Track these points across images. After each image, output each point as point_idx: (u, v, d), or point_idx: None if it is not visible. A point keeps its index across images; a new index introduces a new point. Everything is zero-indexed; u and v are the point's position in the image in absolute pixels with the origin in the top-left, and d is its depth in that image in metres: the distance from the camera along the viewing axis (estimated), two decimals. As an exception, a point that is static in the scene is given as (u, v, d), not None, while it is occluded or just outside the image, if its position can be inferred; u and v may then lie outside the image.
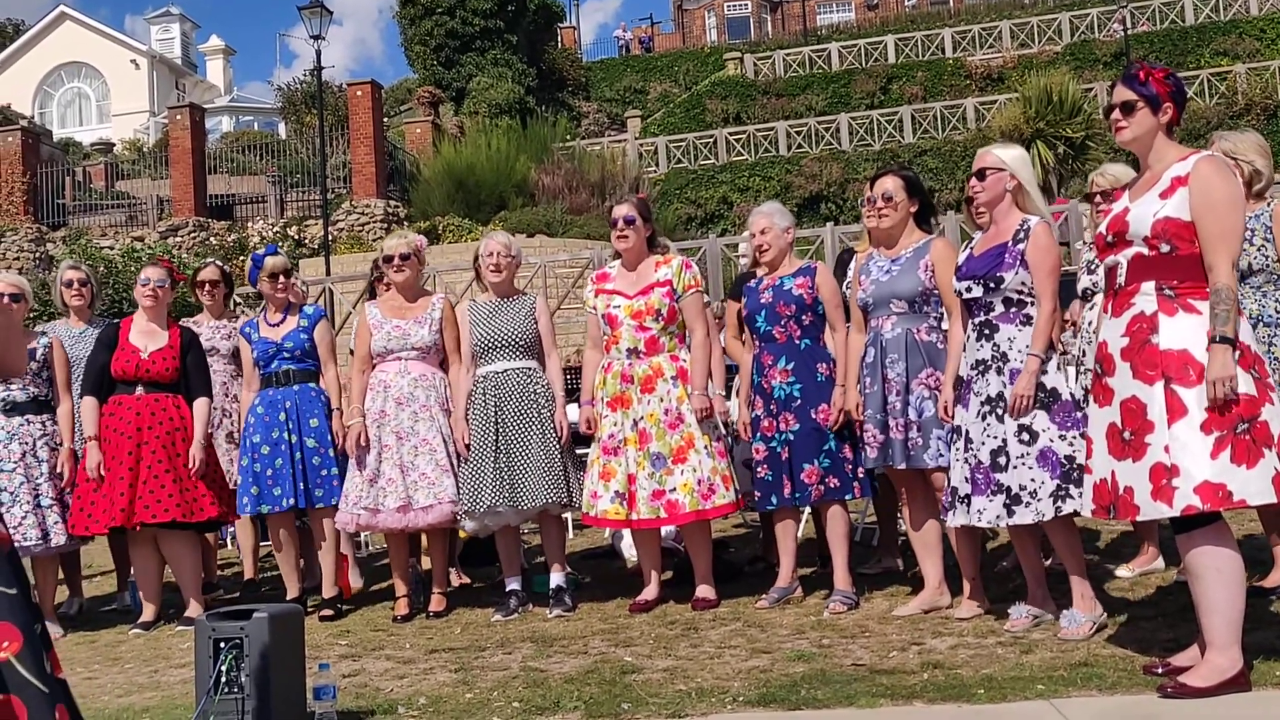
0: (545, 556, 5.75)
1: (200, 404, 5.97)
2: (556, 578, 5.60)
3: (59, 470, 5.96)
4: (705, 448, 5.31)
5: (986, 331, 4.42)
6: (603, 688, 4.06)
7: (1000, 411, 4.33)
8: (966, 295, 4.48)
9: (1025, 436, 4.27)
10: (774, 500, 5.28)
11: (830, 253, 16.77)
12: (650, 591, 5.49)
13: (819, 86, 34.88)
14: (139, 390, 5.88)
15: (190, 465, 5.82)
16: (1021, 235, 4.39)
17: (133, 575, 6.39)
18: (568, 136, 30.88)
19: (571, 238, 23.09)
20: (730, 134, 30.86)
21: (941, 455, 4.73)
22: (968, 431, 4.44)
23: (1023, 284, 4.35)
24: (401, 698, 4.14)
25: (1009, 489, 4.27)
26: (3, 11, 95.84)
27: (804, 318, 5.31)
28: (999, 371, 4.37)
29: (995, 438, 4.34)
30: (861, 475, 5.21)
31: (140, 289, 6.07)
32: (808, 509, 5.83)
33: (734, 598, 5.45)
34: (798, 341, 5.31)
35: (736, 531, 7.59)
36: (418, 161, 27.50)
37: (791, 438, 5.20)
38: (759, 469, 5.31)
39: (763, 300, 5.39)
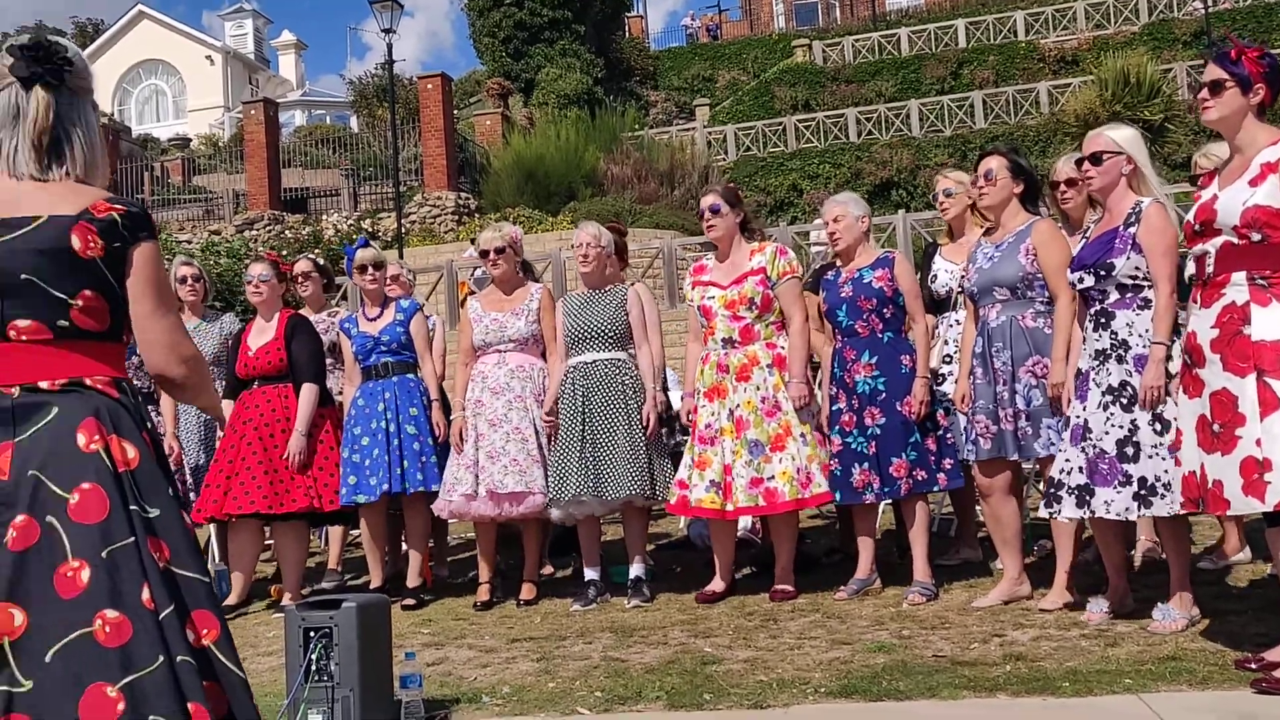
0: (626, 547, 5.79)
1: (305, 390, 6.02)
2: (636, 569, 5.64)
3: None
4: (803, 435, 5.28)
5: (1103, 320, 4.30)
6: (684, 678, 4.09)
7: (1126, 400, 4.20)
8: (1080, 286, 4.37)
9: (1158, 426, 4.14)
10: (839, 496, 5.28)
11: (903, 240, 16.62)
12: (719, 583, 5.51)
13: (888, 72, 34.52)
14: (255, 385, 6.06)
15: (286, 457, 5.90)
16: (1133, 219, 4.25)
17: (219, 562, 6.54)
18: (636, 126, 30.91)
19: (641, 227, 23.08)
20: (799, 121, 30.67)
21: (1052, 445, 4.64)
22: (1086, 422, 4.30)
23: (1136, 269, 4.22)
24: (485, 686, 4.21)
25: (1143, 479, 4.15)
26: (83, 11, 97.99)
27: (885, 311, 5.28)
28: (1120, 360, 4.23)
29: (1120, 427, 4.20)
30: (949, 466, 5.18)
31: (247, 285, 6.22)
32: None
33: (812, 589, 5.45)
34: (880, 335, 5.28)
35: (812, 523, 7.58)
36: (488, 153, 27.70)
37: (879, 432, 5.17)
38: (833, 462, 5.30)
39: (843, 294, 5.36)
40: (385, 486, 5.83)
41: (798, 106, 33.26)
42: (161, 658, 2.22)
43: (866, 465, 5.19)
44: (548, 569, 6.55)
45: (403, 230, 22.93)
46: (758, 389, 5.34)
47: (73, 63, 2.44)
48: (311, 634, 3.74)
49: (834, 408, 5.34)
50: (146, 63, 46.62)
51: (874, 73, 34.69)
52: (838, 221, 5.43)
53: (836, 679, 3.91)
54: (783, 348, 5.40)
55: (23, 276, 2.31)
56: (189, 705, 2.22)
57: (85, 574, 2.23)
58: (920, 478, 5.15)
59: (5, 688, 2.16)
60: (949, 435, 5.23)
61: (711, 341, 5.48)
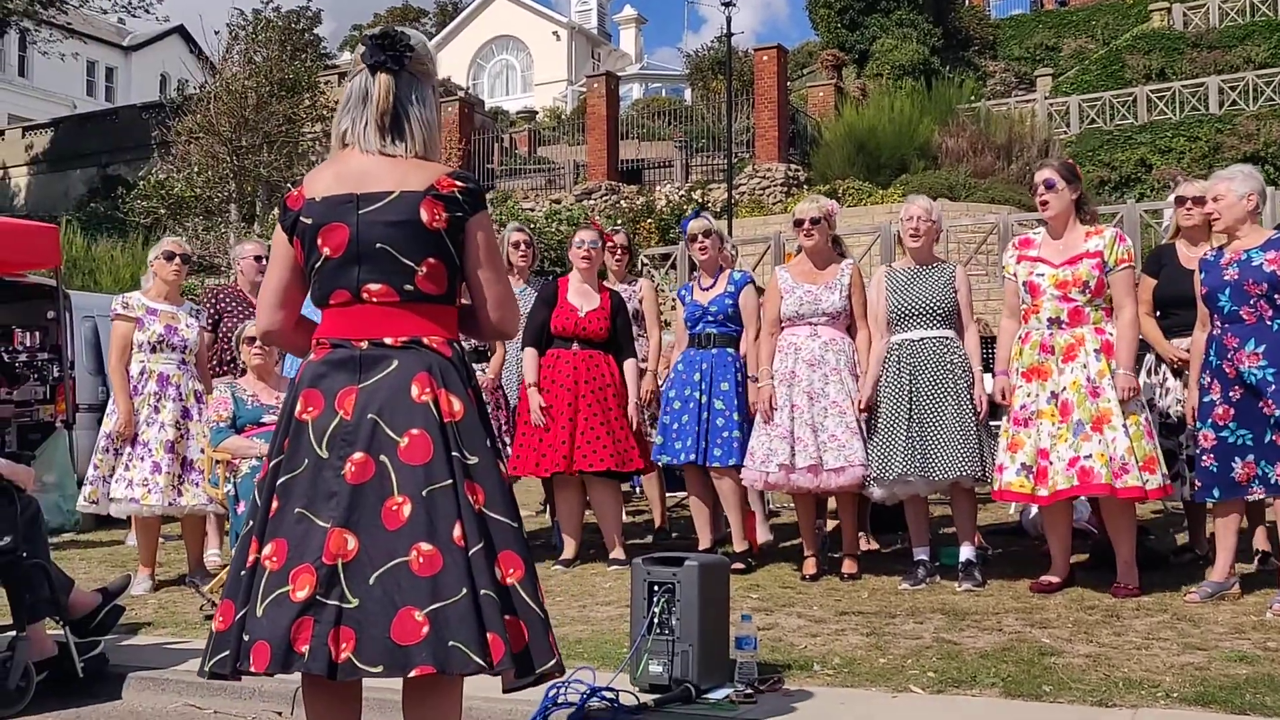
0: (955, 529, 5.68)
1: (630, 364, 6.35)
2: (967, 551, 5.52)
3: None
4: (1123, 426, 5.02)
5: None
6: (1020, 667, 3.99)
7: None
8: None
9: None
10: (1216, 493, 4.93)
11: (1269, 219, 15.26)
12: (1056, 573, 5.30)
13: (1261, 36, 31.60)
14: (575, 346, 6.30)
15: (630, 420, 6.22)
16: None
17: (553, 516, 6.90)
18: (973, 97, 29.84)
19: (975, 202, 22.38)
20: (1153, 91, 28.66)
21: None
22: None
23: None
24: (816, 656, 4.26)
25: None
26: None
27: (1277, 296, 4.88)
28: None
29: None
30: None
31: (575, 251, 6.50)
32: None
33: (1158, 588, 5.17)
34: (1269, 323, 4.89)
35: (1154, 518, 7.16)
36: (819, 125, 27.56)
37: (1273, 422, 4.80)
38: (1204, 458, 4.97)
39: (1226, 277, 4.99)
40: (690, 457, 6.00)
41: (1151, 75, 31.06)
42: (465, 590, 2.44)
43: (1251, 458, 4.83)
44: (872, 544, 6.52)
45: (732, 201, 23.23)
46: (1083, 368, 5.08)
47: (414, 49, 2.67)
48: (655, 588, 3.90)
49: (1206, 398, 5.01)
50: (499, 39, 49.28)
51: (1243, 37, 31.86)
52: (1218, 200, 5.06)
53: (1191, 685, 3.69)
54: (1111, 334, 5.12)
55: (378, 245, 2.58)
56: (488, 635, 2.43)
57: (407, 509, 2.49)
58: None
59: (336, 603, 2.44)
60: None
61: (1035, 320, 5.25)
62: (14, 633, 4.29)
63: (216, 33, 28.47)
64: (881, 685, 3.88)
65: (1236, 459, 4.88)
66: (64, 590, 4.48)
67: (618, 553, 6.22)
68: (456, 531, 2.47)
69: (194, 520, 6.35)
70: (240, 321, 6.80)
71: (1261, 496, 4.95)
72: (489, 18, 49.20)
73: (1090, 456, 4.98)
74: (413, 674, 2.41)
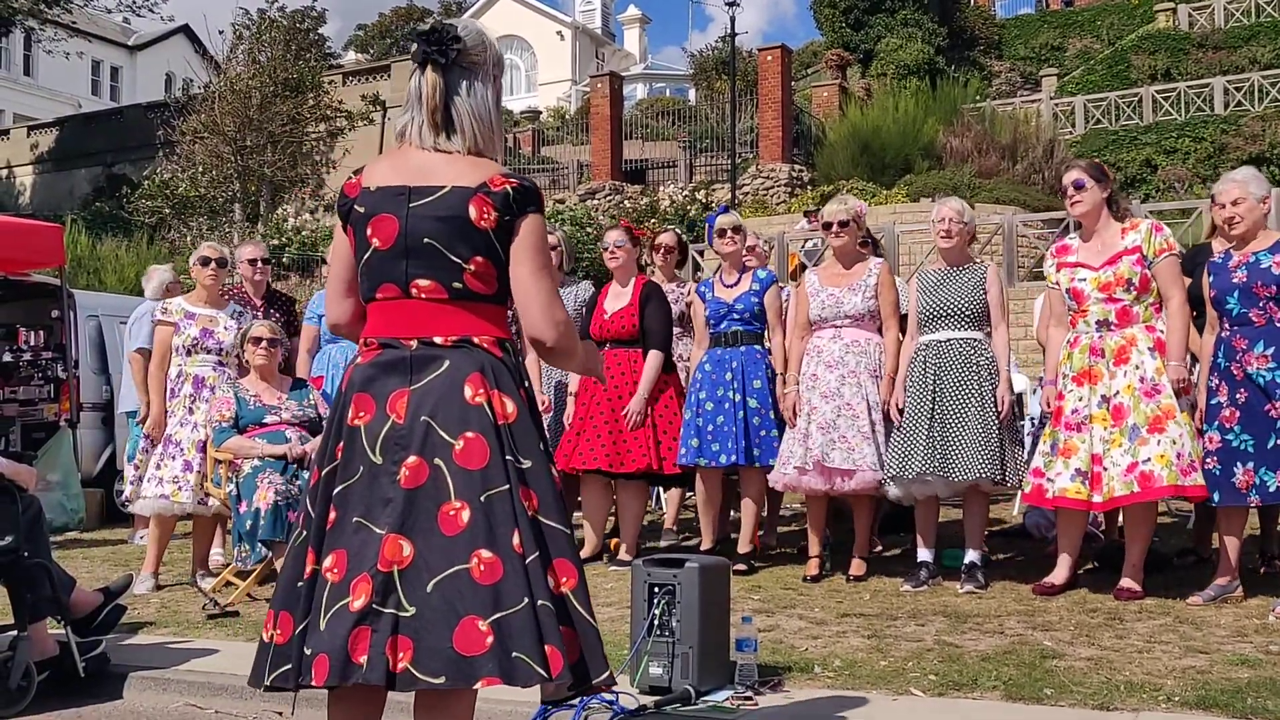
0: (965, 531, 5.66)
1: (652, 356, 6.20)
2: (971, 554, 5.51)
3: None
4: (1186, 423, 4.97)
5: None
6: (1021, 670, 3.98)
7: None
8: None
9: None
10: (1216, 497, 4.92)
11: (1275, 220, 15.23)
12: (1060, 575, 5.28)
13: (1266, 36, 31.54)
14: (606, 347, 6.27)
15: (625, 417, 6.11)
16: None
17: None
18: (978, 97, 29.80)
19: (980, 202, 22.27)
20: (1158, 91, 28.61)
21: None
22: None
23: None
24: (817, 658, 4.25)
25: None
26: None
27: None
28: None
29: None
30: None
31: (605, 252, 6.49)
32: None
33: (1161, 591, 5.15)
34: (1278, 324, 4.87)
35: (1161, 521, 7.13)
36: (823, 125, 27.53)
37: (1279, 425, 4.79)
38: (1209, 460, 4.95)
39: (1235, 280, 4.97)
40: (732, 459, 5.93)
41: (1156, 76, 31.03)
42: (526, 599, 2.38)
43: (1251, 465, 4.82)
44: (877, 546, 6.51)
45: (735, 201, 23.21)
46: (1137, 369, 5.03)
47: (461, 39, 2.60)
48: (656, 590, 3.90)
49: (1213, 401, 5.00)
50: (503, 38, 49.19)
51: (1248, 37, 31.82)
52: (1237, 205, 5.02)
53: (1192, 689, 3.68)
54: (1162, 330, 5.08)
55: (425, 240, 2.53)
56: (546, 647, 2.37)
57: (465, 514, 2.42)
58: None
59: (392, 611, 2.38)
60: None
61: (1083, 324, 5.21)
62: (15, 632, 4.29)
63: (221, 32, 28.44)
64: (882, 688, 3.88)
65: (1238, 465, 4.86)
66: (65, 589, 4.48)
67: (625, 555, 6.18)
68: (515, 539, 2.42)
69: (206, 521, 6.37)
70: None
71: (1259, 505, 4.93)
72: (493, 17, 49.17)
73: (1149, 460, 4.92)
74: (478, 685, 2.36)
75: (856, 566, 5.81)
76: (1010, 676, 3.91)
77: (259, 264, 7.09)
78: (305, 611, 2.45)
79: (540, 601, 2.40)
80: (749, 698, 3.77)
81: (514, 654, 2.35)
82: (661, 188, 26.69)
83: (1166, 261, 5.10)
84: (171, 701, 4.36)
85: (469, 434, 2.47)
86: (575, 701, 3.63)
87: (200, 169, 25.13)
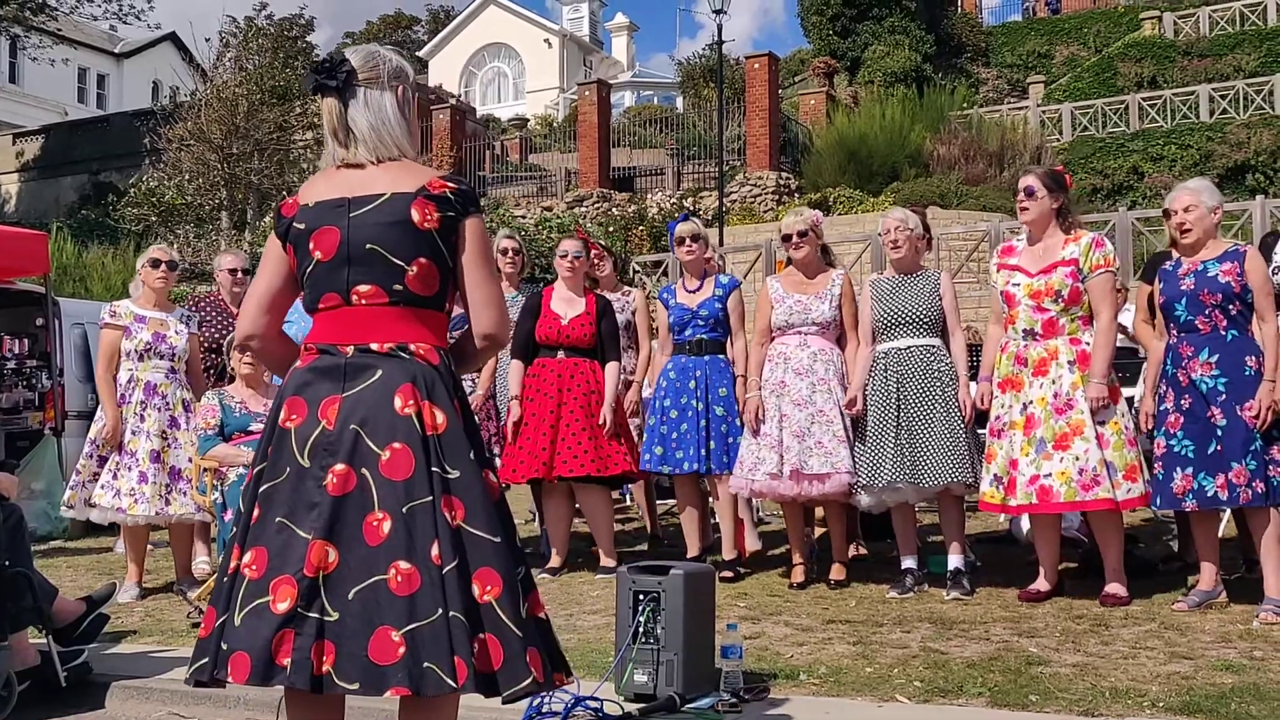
0: (944, 537, 5.68)
1: (611, 367, 6.30)
2: (955, 560, 5.52)
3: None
4: (1097, 436, 5.02)
5: None
6: (1007, 676, 3.98)
7: None
8: None
9: None
10: (1158, 502, 4.99)
11: (1259, 228, 15.31)
12: (1043, 583, 5.30)
13: (1250, 45, 31.70)
14: (560, 354, 6.28)
15: (601, 424, 6.16)
16: None
17: (543, 524, 6.88)
18: (965, 104, 29.91)
19: (967, 209, 22.42)
20: (1144, 99, 28.72)
21: None
22: None
23: None
24: (802, 665, 4.25)
25: None
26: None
27: (1230, 307, 4.90)
28: None
29: None
30: None
31: (559, 260, 6.48)
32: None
33: (1146, 597, 5.16)
34: (1223, 333, 4.91)
35: (1144, 526, 7.16)
36: (810, 133, 27.60)
37: (1219, 433, 4.83)
38: (1155, 465, 5.00)
39: (1183, 287, 5.01)
40: (695, 466, 5.98)
41: (1143, 83, 31.14)
42: (440, 610, 2.42)
43: (1190, 470, 4.87)
44: (861, 549, 6.52)
45: (723, 209, 23.23)
46: (1053, 384, 5.12)
47: (347, 61, 2.68)
48: (640, 597, 3.89)
49: (1161, 407, 5.04)
50: (491, 46, 49.25)
51: (1233, 46, 31.96)
52: (1189, 212, 5.06)
53: (1177, 694, 3.69)
54: (1087, 344, 5.13)
55: (367, 246, 2.59)
56: (455, 659, 2.40)
57: (387, 525, 2.47)
58: (1259, 490, 4.74)
59: (317, 616, 2.43)
60: None
61: (1011, 330, 5.29)
62: (-4, 642, 4.26)
63: (208, 40, 28.45)
64: (867, 694, 3.88)
65: (1178, 470, 4.91)
66: (47, 599, 4.46)
67: (607, 562, 6.18)
68: (434, 550, 2.45)
69: (182, 528, 6.32)
70: (217, 331, 6.80)
71: (1195, 509, 4.95)
72: (481, 25, 49.17)
73: (1050, 475, 5.03)
74: (387, 694, 2.40)
75: (836, 571, 5.81)
76: (996, 683, 3.91)
77: (239, 274, 7.01)
78: (225, 607, 2.50)
79: (453, 613, 2.42)
80: (734, 705, 3.77)
81: (425, 664, 2.39)
82: (649, 195, 26.72)
83: (1101, 278, 5.14)
84: (154, 711, 4.34)
85: (395, 445, 2.51)
86: (559, 709, 3.63)
87: (187, 177, 25.08)
